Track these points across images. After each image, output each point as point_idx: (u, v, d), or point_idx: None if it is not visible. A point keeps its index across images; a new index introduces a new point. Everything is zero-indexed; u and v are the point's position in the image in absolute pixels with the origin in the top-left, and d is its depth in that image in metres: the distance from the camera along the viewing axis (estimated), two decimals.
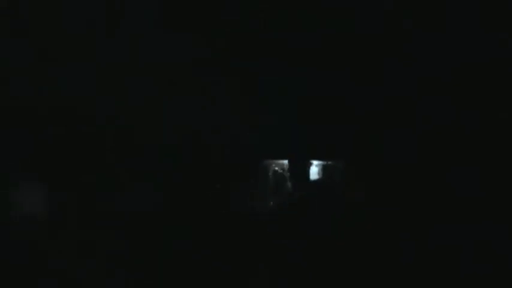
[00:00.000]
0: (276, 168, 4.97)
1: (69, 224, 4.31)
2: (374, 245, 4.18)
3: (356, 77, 4.47)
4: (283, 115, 4.58)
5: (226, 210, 4.56)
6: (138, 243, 4.22)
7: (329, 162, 4.84)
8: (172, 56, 4.47)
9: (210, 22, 4.40)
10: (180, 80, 4.51)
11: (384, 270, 4.01)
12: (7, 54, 4.27)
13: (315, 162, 4.80)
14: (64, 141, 4.44)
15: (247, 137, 4.58)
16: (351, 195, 4.56)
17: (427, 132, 4.38)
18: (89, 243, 4.18)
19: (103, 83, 4.43)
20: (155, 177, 4.50)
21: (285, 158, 4.86)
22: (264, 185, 4.83)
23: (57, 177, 4.40)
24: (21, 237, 4.16)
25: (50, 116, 4.40)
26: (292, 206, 4.63)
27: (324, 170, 4.80)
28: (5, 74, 4.31)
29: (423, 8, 4.26)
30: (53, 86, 4.36)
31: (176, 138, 4.56)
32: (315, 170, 4.82)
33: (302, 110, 4.60)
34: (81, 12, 4.31)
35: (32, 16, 4.28)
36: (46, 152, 4.40)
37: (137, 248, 4.19)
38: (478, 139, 4.25)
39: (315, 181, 4.80)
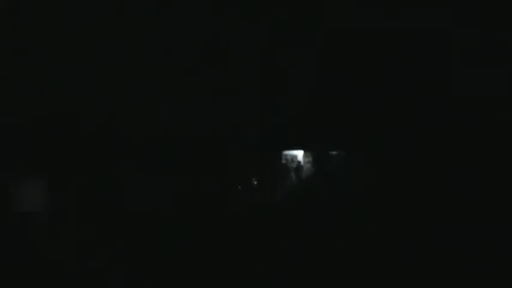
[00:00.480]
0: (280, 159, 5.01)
1: (69, 223, 4.30)
2: (374, 242, 4.17)
3: (356, 77, 4.47)
4: (284, 112, 4.58)
5: (232, 201, 4.58)
6: (139, 242, 4.21)
7: (328, 161, 4.85)
8: (172, 56, 4.47)
9: (210, 22, 4.40)
10: (180, 80, 4.51)
11: (384, 267, 4.00)
12: (7, 54, 4.27)
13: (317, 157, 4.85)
14: (64, 141, 4.44)
15: (249, 132, 4.59)
16: (350, 194, 4.56)
17: (427, 132, 4.38)
18: (89, 243, 4.18)
19: (103, 83, 4.43)
20: (155, 177, 4.50)
21: (287, 150, 4.89)
22: (269, 176, 4.87)
23: (57, 177, 4.40)
24: (21, 236, 4.15)
25: (50, 116, 4.40)
26: (296, 198, 4.65)
27: (325, 166, 4.84)
28: (5, 74, 4.31)
29: (423, 8, 4.26)
30: (53, 86, 4.36)
31: (176, 137, 4.56)
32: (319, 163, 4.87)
33: (303, 107, 4.60)
34: (81, 12, 4.30)
35: (32, 16, 4.28)
36: (46, 151, 4.39)
37: (138, 247, 4.18)
38: (478, 139, 4.25)
39: (317, 174, 4.84)
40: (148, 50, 4.46)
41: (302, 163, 5.09)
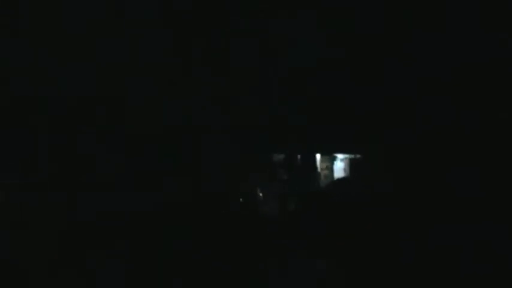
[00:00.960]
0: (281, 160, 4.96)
1: (68, 223, 4.31)
2: (373, 242, 4.18)
3: (356, 77, 4.48)
4: (284, 112, 4.59)
5: (232, 201, 4.59)
6: (139, 242, 4.22)
7: (326, 163, 4.85)
8: (172, 56, 4.48)
9: (211, 22, 4.41)
10: (180, 80, 4.51)
11: (384, 267, 4.01)
12: (7, 54, 4.28)
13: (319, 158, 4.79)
14: (64, 141, 4.44)
15: (249, 132, 4.59)
16: (353, 194, 4.57)
17: (427, 132, 4.39)
18: (88, 243, 4.18)
19: (103, 83, 4.43)
20: (155, 176, 4.50)
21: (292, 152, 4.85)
22: (270, 177, 4.83)
23: (57, 177, 4.41)
24: (20, 237, 4.16)
25: (50, 116, 4.41)
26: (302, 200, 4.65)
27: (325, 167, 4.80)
28: (5, 74, 4.32)
29: (423, 8, 4.27)
30: (53, 86, 4.37)
31: (176, 137, 4.56)
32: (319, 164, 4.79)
33: (303, 107, 4.61)
34: (81, 12, 4.31)
35: (32, 16, 4.29)
36: (46, 151, 4.40)
37: (138, 247, 4.18)
38: (478, 139, 4.26)
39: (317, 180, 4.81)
40: (148, 50, 4.46)
41: (319, 169, 4.59)
